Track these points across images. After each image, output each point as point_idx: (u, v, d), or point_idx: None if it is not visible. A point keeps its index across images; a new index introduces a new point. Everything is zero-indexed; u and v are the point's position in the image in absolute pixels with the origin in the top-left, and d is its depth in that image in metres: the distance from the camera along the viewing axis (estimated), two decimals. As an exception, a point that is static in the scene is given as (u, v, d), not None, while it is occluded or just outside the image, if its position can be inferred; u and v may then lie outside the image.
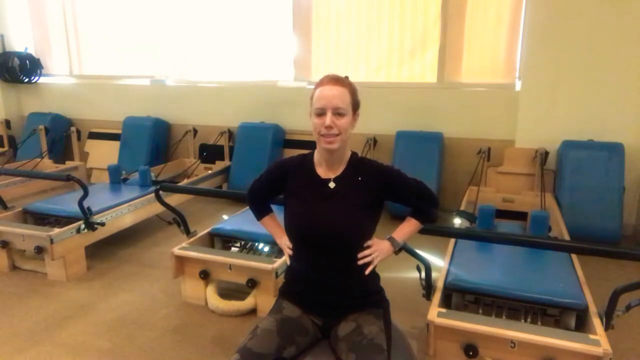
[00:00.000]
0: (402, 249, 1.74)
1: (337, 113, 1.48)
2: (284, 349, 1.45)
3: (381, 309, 1.60)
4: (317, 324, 1.59)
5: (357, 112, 1.57)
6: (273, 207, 1.82)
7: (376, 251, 1.58)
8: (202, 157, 5.12)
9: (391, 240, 1.66)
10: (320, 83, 1.52)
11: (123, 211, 3.54)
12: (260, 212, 1.82)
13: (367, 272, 1.56)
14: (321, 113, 1.49)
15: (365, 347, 1.42)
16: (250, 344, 1.43)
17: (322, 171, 1.59)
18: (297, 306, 1.60)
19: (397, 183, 1.60)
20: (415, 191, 1.64)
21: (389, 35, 4.62)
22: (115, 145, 5.43)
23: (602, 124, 3.88)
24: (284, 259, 2.56)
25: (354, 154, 1.63)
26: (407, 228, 1.70)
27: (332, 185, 1.56)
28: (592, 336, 1.84)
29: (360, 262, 1.54)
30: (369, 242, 1.58)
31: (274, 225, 1.81)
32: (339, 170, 1.58)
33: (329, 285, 1.56)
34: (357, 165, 1.60)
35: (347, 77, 1.56)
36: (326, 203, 1.54)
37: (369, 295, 1.60)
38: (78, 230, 3.13)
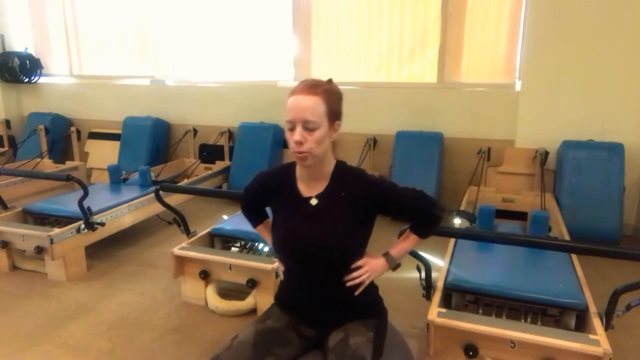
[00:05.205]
0: (398, 265, 1.63)
1: (307, 128, 1.33)
2: None
3: (374, 319, 1.53)
4: (310, 335, 1.54)
5: (336, 122, 1.40)
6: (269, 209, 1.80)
7: (367, 272, 1.47)
8: (202, 157, 5.12)
9: (387, 256, 1.56)
10: (293, 91, 1.36)
11: (123, 211, 3.54)
12: (255, 219, 1.75)
13: (357, 293, 1.47)
14: (291, 127, 1.36)
15: (347, 358, 1.37)
16: (223, 356, 1.40)
17: (303, 187, 1.48)
18: (288, 316, 1.55)
19: (390, 197, 1.48)
20: (413, 203, 1.50)
21: (389, 35, 4.62)
22: (115, 145, 5.42)
23: (602, 124, 3.87)
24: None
25: (338, 165, 1.49)
26: (406, 243, 1.58)
27: (314, 202, 1.45)
28: (592, 336, 1.83)
29: (348, 284, 1.46)
30: (360, 263, 1.47)
31: (269, 233, 1.72)
32: (321, 187, 1.46)
33: (318, 300, 1.51)
34: (342, 178, 1.46)
35: (329, 81, 1.41)
36: (309, 224, 1.44)
37: (362, 307, 1.53)
38: (78, 230, 3.13)
